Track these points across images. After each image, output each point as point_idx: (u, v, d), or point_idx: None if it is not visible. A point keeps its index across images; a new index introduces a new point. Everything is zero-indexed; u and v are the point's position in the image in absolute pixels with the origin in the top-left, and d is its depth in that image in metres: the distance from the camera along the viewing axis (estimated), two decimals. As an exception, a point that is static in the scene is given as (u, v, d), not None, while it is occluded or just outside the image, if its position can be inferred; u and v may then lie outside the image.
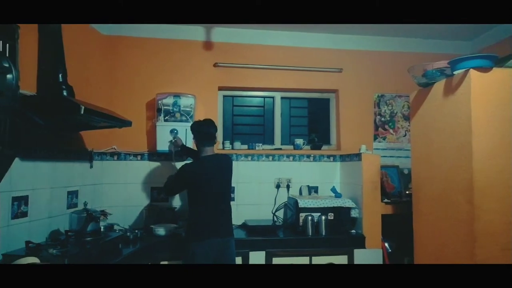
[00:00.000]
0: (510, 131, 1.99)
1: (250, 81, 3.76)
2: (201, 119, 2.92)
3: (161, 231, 3.01)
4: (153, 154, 3.48)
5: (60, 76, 2.36)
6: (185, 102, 3.38)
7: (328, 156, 3.77)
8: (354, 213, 3.23)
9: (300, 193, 3.64)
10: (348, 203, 3.23)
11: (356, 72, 3.87)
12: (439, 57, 2.72)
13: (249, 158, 3.67)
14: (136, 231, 2.94)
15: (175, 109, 3.33)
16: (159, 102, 3.34)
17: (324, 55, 3.84)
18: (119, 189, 3.40)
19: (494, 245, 1.93)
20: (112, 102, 3.44)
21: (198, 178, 2.59)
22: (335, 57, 3.85)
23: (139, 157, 3.49)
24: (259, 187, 3.63)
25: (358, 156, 3.30)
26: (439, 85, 2.29)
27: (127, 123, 2.76)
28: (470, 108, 1.99)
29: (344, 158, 3.69)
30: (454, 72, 2.16)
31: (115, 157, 3.46)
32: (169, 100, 3.34)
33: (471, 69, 2.02)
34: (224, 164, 2.74)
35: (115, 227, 2.97)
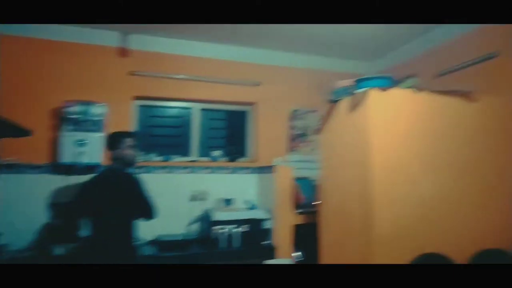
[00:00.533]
0: (404, 146, 2.18)
1: (168, 91, 3.65)
2: (114, 129, 2.76)
3: (59, 250, 2.73)
4: (56, 167, 3.16)
5: None
6: (95, 111, 3.15)
7: (245, 168, 3.80)
8: (267, 224, 3.28)
9: (216, 205, 3.60)
10: (261, 215, 3.27)
11: (273, 86, 3.98)
12: (347, 76, 2.91)
13: (164, 170, 3.54)
14: (32, 251, 2.64)
15: (83, 118, 3.09)
16: (66, 110, 3.07)
17: (243, 69, 3.89)
18: (14, 205, 3.03)
19: (388, 252, 2.08)
20: (10, 109, 3.05)
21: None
22: (253, 71, 3.93)
23: (38, 170, 3.15)
24: (174, 200, 3.51)
25: (272, 168, 3.37)
26: (345, 102, 2.44)
27: (26, 133, 2.49)
28: (368, 124, 2.14)
29: (260, 170, 3.75)
30: (358, 90, 2.32)
31: (12, 170, 3.07)
32: (78, 108, 3.09)
33: (370, 88, 2.18)
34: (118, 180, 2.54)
35: (6, 248, 2.63)
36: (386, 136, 2.15)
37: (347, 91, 2.47)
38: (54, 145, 3.16)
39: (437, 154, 2.25)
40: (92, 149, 3.04)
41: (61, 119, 3.08)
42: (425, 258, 2.08)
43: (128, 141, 2.59)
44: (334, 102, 2.61)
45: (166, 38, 3.59)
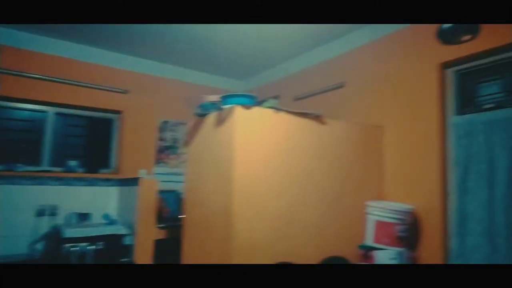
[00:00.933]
0: (264, 162, 2.31)
1: (17, 91, 3.17)
2: None
3: None
4: None
5: None
6: None
7: (105, 180, 3.53)
8: (127, 240, 3.08)
9: (67, 221, 3.23)
10: (120, 230, 3.07)
11: (142, 95, 3.83)
12: (217, 91, 2.98)
13: (5, 181, 3.04)
14: None
15: None
16: None
17: (110, 74, 3.65)
18: None
19: (246, 262, 2.16)
20: None
21: None
22: (120, 77, 3.72)
23: None
24: (15, 216, 3.03)
25: (136, 181, 3.21)
26: (211, 117, 2.48)
27: None
28: (232, 140, 2.22)
29: (122, 182, 3.52)
30: (224, 106, 2.38)
31: None
32: None
33: (236, 105, 2.27)
34: None
35: None
36: (248, 152, 2.25)
37: (214, 106, 2.52)
38: None
39: (294, 170, 2.45)
40: None
41: None
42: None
43: None
44: (202, 116, 2.63)
45: (17, 30, 3.14)
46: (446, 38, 1.87)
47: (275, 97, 3.56)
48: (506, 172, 2.20)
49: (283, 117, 2.45)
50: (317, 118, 2.61)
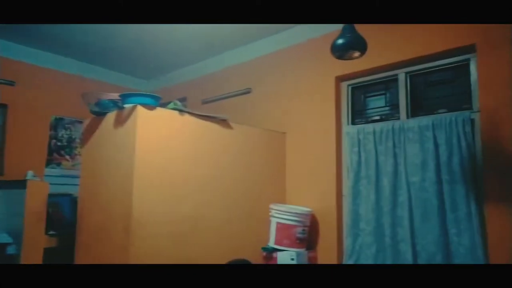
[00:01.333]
0: (168, 165, 2.25)
1: None
2: None
3: None
4: None
5: None
6: None
7: (-16, 182, 3.10)
8: (10, 250, 2.75)
9: None
10: (4, 239, 2.73)
11: (31, 87, 3.46)
12: (119, 89, 2.82)
13: None
14: None
15: None
16: None
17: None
18: None
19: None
20: None
21: None
22: (8, 67, 3.31)
23: None
24: None
25: (23, 183, 2.87)
26: (111, 116, 2.34)
27: None
28: (135, 141, 2.12)
29: (6, 185, 3.13)
30: (125, 105, 2.27)
31: None
32: None
33: (138, 105, 2.17)
34: None
35: None
36: (150, 154, 2.18)
37: (114, 105, 2.38)
38: None
39: (199, 173, 2.43)
40: None
41: None
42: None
43: None
44: (100, 114, 2.47)
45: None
46: (338, 53, 2.02)
47: (182, 99, 3.50)
48: (390, 178, 2.47)
49: (188, 119, 2.42)
50: (222, 122, 2.63)
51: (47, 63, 3.57)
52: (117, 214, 2.17)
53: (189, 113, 2.42)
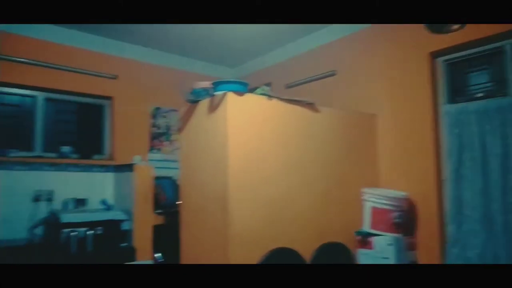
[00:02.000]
0: (257, 149, 2.33)
1: (5, 75, 3.14)
2: None
3: None
4: None
5: None
6: None
7: (100, 167, 3.54)
8: (125, 226, 3.12)
9: (65, 206, 3.26)
10: (118, 216, 3.11)
11: (133, 81, 3.81)
12: (208, 78, 2.97)
13: (-1, 167, 3.05)
14: None
15: None
16: None
17: (99, 59, 3.61)
18: None
19: (244, 248, 2.20)
20: None
21: None
22: (110, 63, 3.68)
23: None
24: (11, 201, 3.04)
25: (131, 167, 3.22)
26: (204, 103, 2.48)
27: None
28: (226, 126, 2.23)
29: (117, 168, 3.54)
30: (216, 93, 2.38)
31: None
32: None
33: (228, 92, 2.27)
34: None
35: None
36: (241, 138, 2.27)
37: (206, 93, 2.52)
38: None
39: (288, 157, 2.47)
40: None
41: None
42: (275, 253, 2.26)
43: None
44: (194, 102, 2.63)
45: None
46: (434, 28, 1.87)
47: (267, 85, 3.56)
48: (499, 160, 2.24)
49: (276, 104, 2.46)
50: (309, 105, 2.62)
51: (146, 58, 3.89)
52: (214, 194, 2.31)
53: (276, 98, 2.46)
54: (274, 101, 2.45)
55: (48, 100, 3.48)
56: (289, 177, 2.46)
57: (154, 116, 3.94)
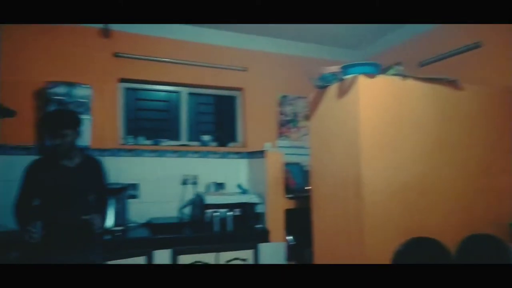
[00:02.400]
0: (391, 132, 2.23)
1: (155, 75, 3.63)
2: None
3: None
4: (42, 148, 3.13)
5: None
6: (81, 92, 3.11)
7: (235, 153, 3.83)
8: (259, 209, 3.33)
9: (207, 189, 3.64)
10: (253, 199, 3.32)
11: (261, 72, 3.99)
12: (333, 63, 2.92)
13: (154, 154, 3.55)
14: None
15: (68, 99, 3.05)
16: (49, 91, 3.02)
17: (230, 53, 3.88)
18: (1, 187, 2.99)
19: (380, 236, 2.15)
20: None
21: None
22: (241, 56, 3.92)
23: (26, 151, 3.11)
24: (164, 184, 3.54)
25: (262, 154, 3.41)
26: (333, 88, 2.46)
27: (10, 113, 2.45)
28: (357, 110, 2.18)
29: (250, 155, 3.78)
30: (345, 77, 2.34)
31: (-2, 151, 3.04)
32: (62, 90, 3.05)
33: (359, 75, 2.21)
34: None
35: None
36: (373, 123, 2.19)
37: (335, 77, 2.50)
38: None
39: (425, 141, 2.30)
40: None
41: (45, 100, 3.03)
42: (414, 242, 2.14)
43: (58, 123, 2.24)
44: (322, 88, 2.63)
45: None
46: None
47: (397, 64, 3.33)
48: None
49: (411, 84, 2.30)
50: (451, 83, 2.38)
51: (272, 48, 4.04)
52: (346, 181, 2.30)
53: (412, 77, 2.30)
54: (409, 81, 2.29)
55: (190, 94, 3.91)
56: (427, 163, 2.29)
57: (281, 104, 4.08)
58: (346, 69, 2.35)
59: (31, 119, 3.15)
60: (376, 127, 2.20)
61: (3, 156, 3.05)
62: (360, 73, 2.22)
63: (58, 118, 2.27)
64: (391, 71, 2.34)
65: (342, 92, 2.35)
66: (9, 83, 3.10)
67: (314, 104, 2.72)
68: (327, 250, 2.58)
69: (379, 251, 2.11)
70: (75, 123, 2.28)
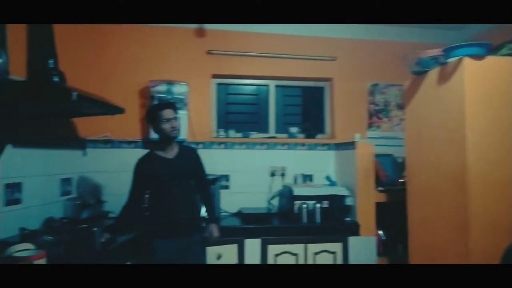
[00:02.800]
0: (506, 119, 1.99)
1: (244, 69, 3.73)
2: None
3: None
4: (146, 142, 3.45)
5: (50, 61, 2.32)
6: (178, 89, 3.35)
7: (323, 145, 3.78)
8: (348, 201, 3.25)
9: (295, 181, 3.65)
10: (342, 191, 3.25)
11: (350, 61, 3.86)
12: (429, 46, 2.70)
13: (244, 146, 3.67)
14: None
15: (168, 96, 3.30)
16: (152, 89, 3.31)
17: (317, 43, 3.82)
18: (112, 177, 3.36)
19: (487, 232, 1.95)
20: (102, 89, 3.35)
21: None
22: (328, 46, 3.83)
23: (132, 145, 3.46)
24: (253, 176, 3.63)
25: (352, 145, 3.31)
26: (433, 73, 2.29)
27: (120, 110, 2.72)
28: (463, 96, 1.99)
29: (338, 146, 3.70)
30: (448, 60, 2.16)
31: (108, 145, 3.43)
32: (162, 88, 3.31)
33: (464, 57, 2.02)
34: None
35: (110, 214, 2.96)
36: (481, 109, 1.99)
37: (435, 62, 2.32)
38: (144, 122, 3.44)
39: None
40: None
41: (149, 98, 3.32)
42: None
43: (166, 113, 2.38)
44: (420, 74, 2.46)
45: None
46: None
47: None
48: None
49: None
50: None
51: (359, 35, 3.87)
52: (449, 172, 2.12)
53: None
54: (528, 61, 2.02)
55: (277, 86, 3.94)
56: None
57: (371, 93, 3.90)
58: (448, 51, 2.17)
59: (137, 116, 3.48)
60: (484, 114, 2.00)
61: (113, 149, 3.42)
62: (465, 55, 2.02)
63: (163, 105, 2.45)
64: (504, 51, 2.10)
65: (445, 77, 2.17)
66: (118, 82, 3.48)
67: (411, 92, 2.55)
68: (424, 247, 2.43)
69: (485, 249, 1.93)
70: (176, 109, 2.47)
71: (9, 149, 2.15)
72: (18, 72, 2.20)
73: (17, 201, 2.29)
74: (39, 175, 2.53)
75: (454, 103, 2.07)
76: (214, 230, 2.57)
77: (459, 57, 2.06)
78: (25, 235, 2.10)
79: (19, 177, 2.31)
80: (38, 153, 2.51)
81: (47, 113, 2.48)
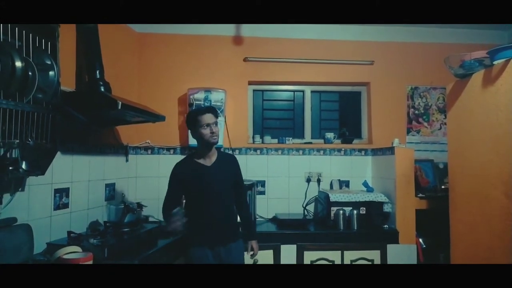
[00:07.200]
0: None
1: (280, 75, 3.75)
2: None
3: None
4: (185, 148, 3.54)
5: (97, 72, 2.45)
6: (216, 96, 3.41)
7: (359, 150, 3.72)
8: (386, 208, 3.17)
9: (331, 187, 3.61)
10: (380, 198, 3.18)
11: (387, 64, 3.78)
12: (473, 47, 2.60)
13: (279, 152, 3.67)
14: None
15: (206, 103, 3.37)
16: (191, 97, 3.39)
17: (354, 47, 3.77)
18: (153, 182, 3.48)
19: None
20: (142, 98, 3.51)
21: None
22: (365, 49, 3.78)
23: (171, 151, 3.57)
24: (289, 181, 3.63)
25: (390, 150, 3.23)
26: (478, 76, 2.20)
27: (161, 118, 2.83)
28: (510, 99, 1.90)
29: (376, 152, 3.63)
30: (494, 62, 2.07)
31: (149, 151, 3.55)
32: (200, 95, 3.39)
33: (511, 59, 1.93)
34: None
35: (150, 219, 3.06)
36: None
37: (479, 64, 2.23)
38: (183, 129, 3.53)
39: None
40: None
41: (188, 105, 3.41)
42: None
43: (206, 118, 2.32)
44: (464, 77, 2.37)
45: (275, 23, 3.64)
46: None
47: None
48: None
49: None
50: None
51: (400, 38, 3.78)
52: (494, 178, 2.03)
53: None
54: None
55: (313, 92, 3.93)
56: None
57: (411, 96, 3.80)
58: (494, 53, 2.07)
59: (176, 123, 3.59)
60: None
61: (153, 155, 3.54)
62: (512, 57, 1.93)
63: (204, 110, 2.40)
64: (556, 52, 1.97)
65: (490, 81, 2.08)
66: (157, 91, 3.61)
67: (454, 95, 2.47)
68: (467, 256, 2.33)
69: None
70: (217, 114, 2.42)
71: (58, 156, 2.28)
72: (68, 84, 2.34)
73: (65, 206, 2.42)
74: (84, 180, 2.66)
75: (500, 108, 1.98)
76: (255, 248, 2.57)
77: (506, 59, 1.97)
78: (72, 238, 2.21)
79: (67, 182, 2.45)
80: (84, 159, 2.65)
81: (94, 121, 2.61)
